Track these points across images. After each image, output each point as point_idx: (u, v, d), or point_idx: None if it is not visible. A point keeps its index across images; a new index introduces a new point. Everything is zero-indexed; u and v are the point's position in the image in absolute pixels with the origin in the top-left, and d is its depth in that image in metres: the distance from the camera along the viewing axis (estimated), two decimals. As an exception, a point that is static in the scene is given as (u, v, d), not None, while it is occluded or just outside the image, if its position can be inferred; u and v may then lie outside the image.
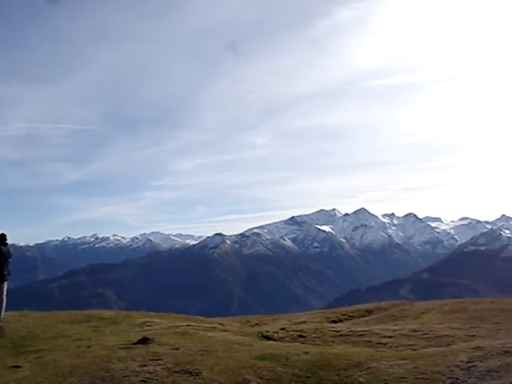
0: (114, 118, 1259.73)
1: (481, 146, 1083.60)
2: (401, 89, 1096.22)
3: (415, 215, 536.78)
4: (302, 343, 20.76)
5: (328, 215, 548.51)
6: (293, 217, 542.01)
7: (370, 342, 20.52)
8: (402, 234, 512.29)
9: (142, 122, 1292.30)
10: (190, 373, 13.85)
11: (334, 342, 21.13)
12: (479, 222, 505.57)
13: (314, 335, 22.70)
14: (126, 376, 13.74)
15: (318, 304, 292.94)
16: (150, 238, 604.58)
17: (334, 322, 33.95)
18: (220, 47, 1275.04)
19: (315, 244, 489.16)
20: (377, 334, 22.12)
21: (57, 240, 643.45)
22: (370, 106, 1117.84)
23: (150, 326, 24.04)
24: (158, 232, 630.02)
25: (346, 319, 35.06)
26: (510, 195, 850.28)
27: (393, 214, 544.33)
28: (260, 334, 23.48)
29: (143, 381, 13.33)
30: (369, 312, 36.97)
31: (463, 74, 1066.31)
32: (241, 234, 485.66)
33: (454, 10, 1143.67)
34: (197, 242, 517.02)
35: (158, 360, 15.09)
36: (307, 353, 16.35)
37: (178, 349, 16.73)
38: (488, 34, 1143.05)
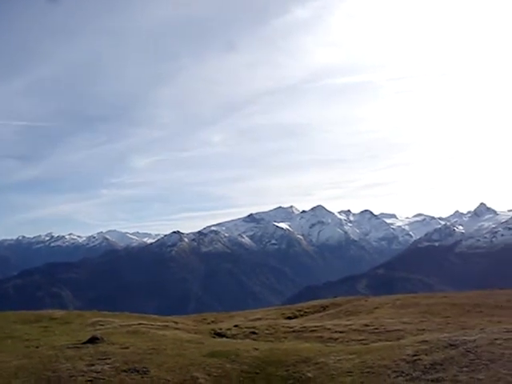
0: (69, 114, 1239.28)
1: (435, 143, 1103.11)
2: (357, 87, 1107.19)
3: (371, 212, 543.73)
4: (254, 340, 20.87)
5: (286, 212, 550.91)
6: (251, 214, 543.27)
7: (321, 337, 20.74)
8: (358, 231, 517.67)
9: (99, 118, 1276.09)
10: (138, 371, 13.81)
11: (286, 338, 21.30)
12: (433, 218, 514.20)
13: (266, 332, 22.83)
14: (72, 376, 13.62)
15: (275, 300, 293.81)
16: (107, 236, 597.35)
17: (289, 318, 34.22)
18: (177, 44, 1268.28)
19: (273, 241, 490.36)
20: (329, 329, 22.36)
21: (11, 239, 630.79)
22: (327, 104, 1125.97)
23: (101, 325, 23.84)
24: (114, 230, 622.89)
25: (302, 315, 35.35)
26: (463, 192, 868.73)
27: (349, 210, 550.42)
28: (213, 332, 23.53)
29: (90, 380, 13.24)
30: (324, 308, 37.34)
31: (417, 72, 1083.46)
32: (199, 232, 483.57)
33: (409, 10, 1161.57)
34: (154, 241, 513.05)
35: (106, 359, 14.99)
36: (257, 349, 16.45)
37: (127, 348, 16.65)
38: (441, 34, 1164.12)
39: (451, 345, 14.64)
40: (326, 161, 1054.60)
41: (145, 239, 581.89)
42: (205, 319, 35.95)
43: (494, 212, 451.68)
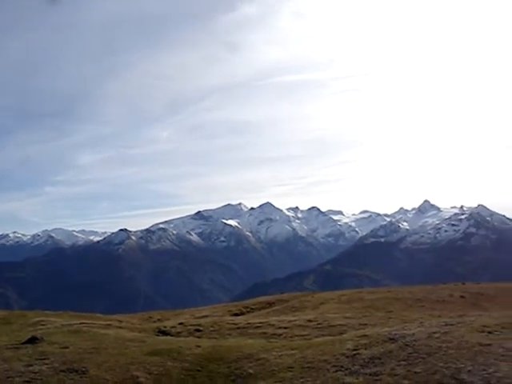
0: (11, 110, 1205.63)
1: (380, 141, 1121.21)
2: (306, 85, 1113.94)
3: (318, 209, 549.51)
4: (198, 337, 20.82)
5: (234, 209, 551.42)
6: (199, 211, 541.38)
7: (265, 333, 20.84)
8: (305, 227, 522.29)
9: (43, 114, 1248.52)
10: (77, 371, 13.58)
11: (230, 334, 21.32)
12: (379, 214, 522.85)
13: (211, 329, 22.80)
14: (9, 377, 13.31)
15: (224, 297, 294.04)
16: (52, 234, 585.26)
17: (235, 315, 34.28)
18: (126, 40, 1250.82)
19: (222, 238, 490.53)
20: (273, 325, 22.50)
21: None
22: (276, 101, 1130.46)
23: (43, 325, 23.39)
24: (60, 228, 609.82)
25: (248, 312, 35.47)
26: (408, 189, 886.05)
27: (297, 207, 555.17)
28: (157, 330, 23.35)
29: (27, 381, 12.95)
30: (270, 304, 37.56)
31: (364, 71, 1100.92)
32: (146, 230, 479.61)
33: (354, 10, 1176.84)
34: (101, 239, 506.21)
35: (44, 359, 14.70)
36: (199, 346, 16.39)
37: (67, 347, 16.36)
38: (385, 34, 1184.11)
39: (390, 339, 14.88)
40: (274, 158, 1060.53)
41: (91, 237, 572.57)
42: (151, 317, 35.70)
43: (438, 209, 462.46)
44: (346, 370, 12.65)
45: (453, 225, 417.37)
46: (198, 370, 14.07)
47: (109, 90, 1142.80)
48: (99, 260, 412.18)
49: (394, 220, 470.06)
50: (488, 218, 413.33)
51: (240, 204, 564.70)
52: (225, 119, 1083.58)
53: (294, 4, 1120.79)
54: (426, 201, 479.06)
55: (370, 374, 12.06)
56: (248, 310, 36.88)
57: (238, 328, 22.76)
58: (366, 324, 21.51)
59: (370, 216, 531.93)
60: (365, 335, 15.80)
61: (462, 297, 32.03)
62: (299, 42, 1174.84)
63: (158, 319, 34.58)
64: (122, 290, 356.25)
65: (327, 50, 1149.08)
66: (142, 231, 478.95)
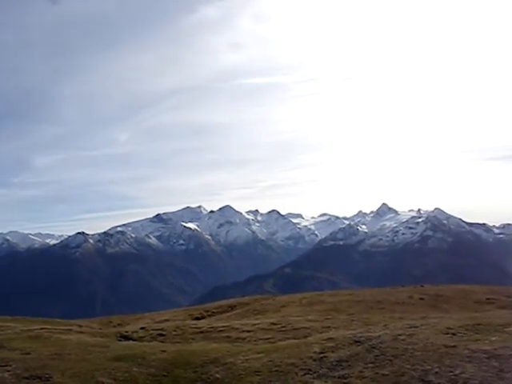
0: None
1: (340, 145, 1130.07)
2: (267, 88, 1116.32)
3: (278, 212, 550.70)
4: (162, 342, 20.55)
5: (194, 212, 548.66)
6: (158, 214, 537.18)
7: (229, 337, 20.71)
8: (265, 231, 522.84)
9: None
10: (40, 378, 13.24)
11: (193, 339, 21.11)
12: (338, 218, 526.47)
13: (174, 333, 22.56)
14: (-31, 385, 12.92)
15: (183, 301, 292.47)
16: (8, 237, 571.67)
17: (197, 318, 34.05)
18: (83, 40, 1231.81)
19: (181, 241, 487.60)
20: (236, 328, 22.37)
21: None
22: (236, 104, 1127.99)
23: (2, 330, 22.79)
24: (15, 231, 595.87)
25: (210, 316, 35.27)
26: (366, 192, 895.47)
27: (257, 210, 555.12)
28: (119, 335, 23.00)
29: (-12, 389, 12.61)
30: (232, 307, 37.44)
31: (325, 75, 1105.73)
32: (104, 233, 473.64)
33: (315, 14, 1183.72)
34: (58, 242, 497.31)
35: (6, 366, 14.29)
36: (164, 351, 16.20)
37: (28, 353, 15.96)
38: (348, 37, 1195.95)
39: (356, 341, 14.96)
40: (234, 161, 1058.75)
41: (48, 240, 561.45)
42: (111, 322, 35.24)
43: (396, 212, 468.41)
44: (315, 373, 12.66)
45: (410, 228, 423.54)
46: (164, 376, 13.89)
47: (64, 91, 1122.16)
48: (55, 263, 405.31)
49: (352, 223, 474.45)
50: (444, 222, 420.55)
51: (200, 207, 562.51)
52: (185, 121, 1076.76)
53: (255, 7, 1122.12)
54: (384, 204, 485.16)
55: (339, 377, 12.09)
56: (209, 313, 36.68)
57: (202, 332, 22.58)
58: (329, 327, 21.56)
59: (330, 219, 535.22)
60: (331, 338, 15.85)
61: (421, 299, 32.38)
62: (261, 44, 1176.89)
63: (118, 324, 34.15)
64: (79, 294, 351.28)
65: (289, 53, 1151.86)
66: (99, 234, 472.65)
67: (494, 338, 13.98)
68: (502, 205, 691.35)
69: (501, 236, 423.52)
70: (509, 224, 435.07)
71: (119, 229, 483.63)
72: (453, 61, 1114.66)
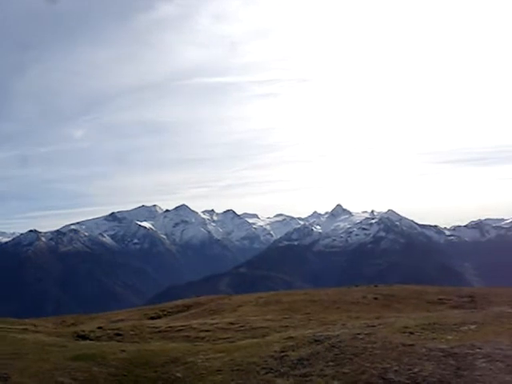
0: None
1: (296, 146, 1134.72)
2: (225, 88, 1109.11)
3: (234, 212, 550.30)
4: (119, 341, 20.39)
5: (149, 211, 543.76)
6: (112, 213, 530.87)
7: (188, 336, 20.67)
8: (221, 230, 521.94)
9: None
10: (-2, 378, 13.03)
11: (152, 338, 21.02)
12: (293, 218, 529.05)
13: (131, 333, 22.41)
14: None
15: (137, 301, 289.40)
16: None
17: (152, 318, 33.84)
18: (39, 35, 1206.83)
19: (135, 240, 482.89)
20: (195, 328, 22.35)
21: None
22: (194, 102, 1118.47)
23: (-46, 330, 22.27)
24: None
25: (165, 315, 35.11)
26: (321, 193, 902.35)
27: (213, 210, 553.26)
28: (75, 334, 22.71)
29: None
30: (187, 307, 37.31)
31: (282, 76, 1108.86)
32: (57, 231, 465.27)
33: (275, 15, 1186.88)
34: (9, 239, 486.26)
35: (-39, 366, 14.02)
36: (124, 351, 16.10)
37: (-16, 353, 15.67)
38: (304, 39, 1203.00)
39: (316, 340, 15.14)
40: (191, 160, 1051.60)
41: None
42: (64, 321, 34.73)
43: (350, 213, 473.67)
44: (276, 371, 12.77)
45: (363, 229, 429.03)
46: (125, 375, 13.82)
47: (18, 86, 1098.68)
48: (7, 262, 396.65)
49: (307, 224, 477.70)
50: (397, 223, 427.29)
51: (155, 206, 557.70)
52: (141, 119, 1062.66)
53: (214, 7, 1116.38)
54: (338, 205, 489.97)
55: (300, 375, 12.23)
56: (165, 313, 36.50)
57: (160, 332, 22.48)
58: (287, 326, 21.72)
59: (285, 219, 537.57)
60: (290, 337, 16.01)
61: (375, 298, 32.83)
62: (219, 44, 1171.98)
63: (72, 323, 33.68)
64: (31, 293, 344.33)
65: (247, 53, 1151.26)
66: (52, 232, 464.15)
67: (449, 337, 14.36)
68: (453, 207, 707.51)
69: (451, 238, 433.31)
70: (459, 226, 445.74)
71: (72, 227, 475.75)
72: (407, 65, 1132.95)
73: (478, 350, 12.70)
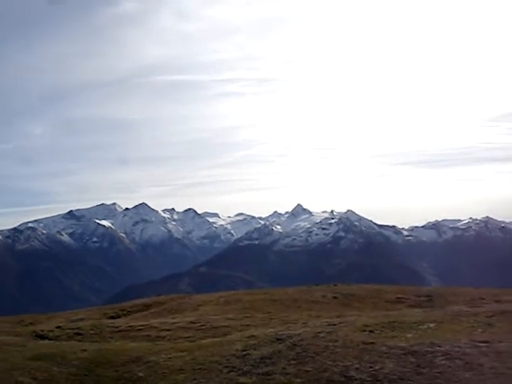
0: None
1: (256, 145, 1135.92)
2: (187, 86, 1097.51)
3: (194, 211, 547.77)
4: (79, 341, 20.17)
5: (108, 210, 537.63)
6: (71, 211, 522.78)
7: (148, 336, 20.57)
8: (181, 229, 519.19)
9: None
10: (-45, 378, 12.79)
11: (112, 338, 20.85)
12: (253, 217, 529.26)
13: (91, 332, 22.19)
14: None
15: (96, 300, 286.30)
16: None
17: (112, 317, 33.53)
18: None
19: (94, 239, 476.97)
20: (155, 327, 22.26)
21: None
22: (155, 100, 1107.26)
23: None
24: None
25: (125, 314, 34.82)
26: (282, 193, 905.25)
27: (173, 209, 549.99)
28: (34, 334, 22.38)
29: None
30: (147, 306, 37.07)
31: (242, 75, 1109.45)
32: (14, 229, 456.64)
33: (236, 13, 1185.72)
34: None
35: None
36: (85, 350, 15.96)
37: None
38: (266, 39, 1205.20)
39: (278, 339, 15.24)
40: (151, 158, 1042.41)
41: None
42: (22, 321, 34.11)
43: (310, 213, 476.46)
44: (239, 370, 12.83)
45: (323, 228, 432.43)
46: (86, 375, 13.70)
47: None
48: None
49: (268, 223, 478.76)
50: (356, 223, 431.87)
51: (114, 204, 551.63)
52: (102, 116, 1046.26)
53: (176, 4, 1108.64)
54: (298, 205, 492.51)
55: (263, 374, 12.31)
56: (125, 312, 36.19)
57: (120, 331, 22.31)
58: (248, 325, 21.79)
59: (245, 219, 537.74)
60: (252, 336, 16.09)
61: (334, 297, 33.13)
62: (182, 42, 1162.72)
63: (30, 323, 33.11)
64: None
65: (210, 52, 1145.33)
66: (8, 230, 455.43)
67: (409, 335, 14.64)
68: (411, 208, 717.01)
69: (409, 238, 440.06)
70: (417, 227, 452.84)
71: (30, 225, 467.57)
72: (367, 68, 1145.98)
73: (437, 348, 12.98)
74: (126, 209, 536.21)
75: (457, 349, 12.88)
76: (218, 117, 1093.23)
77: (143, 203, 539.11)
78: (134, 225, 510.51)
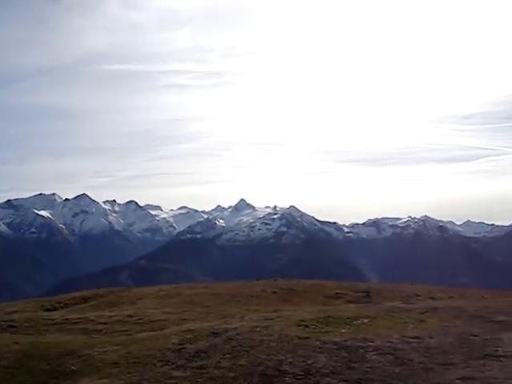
0: None
1: (200, 139, 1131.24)
2: (132, 76, 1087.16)
3: (136, 203, 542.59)
4: (13, 333, 19.77)
5: (47, 200, 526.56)
6: (9, 200, 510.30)
7: (85, 329, 20.32)
8: (122, 221, 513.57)
9: None
10: None
11: (47, 330, 20.50)
12: (196, 211, 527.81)
13: (26, 325, 21.76)
14: None
15: (34, 292, 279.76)
16: None
17: (49, 310, 32.89)
18: None
19: (32, 229, 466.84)
20: (92, 320, 22.01)
21: None
22: (100, 89, 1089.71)
23: None
24: None
25: (62, 307, 34.20)
26: (225, 187, 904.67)
27: (114, 200, 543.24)
28: (-35, 326, 21.82)
29: None
30: (86, 299, 36.50)
31: (190, 67, 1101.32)
32: None
33: (185, 4, 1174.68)
34: None
35: None
36: (17, 343, 15.69)
37: None
38: (215, 30, 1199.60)
39: (214, 333, 15.34)
40: (93, 148, 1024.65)
41: None
42: (-47, 312, 33.15)
43: (253, 208, 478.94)
44: (173, 364, 12.86)
45: (266, 224, 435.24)
46: (17, 368, 13.47)
47: None
48: None
49: (211, 217, 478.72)
50: (298, 219, 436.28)
51: (54, 194, 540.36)
52: (43, 104, 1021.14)
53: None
54: (242, 199, 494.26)
55: (197, 368, 12.37)
56: (62, 305, 35.53)
57: (55, 324, 21.95)
58: (186, 319, 21.81)
59: (188, 212, 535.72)
60: (189, 330, 16.13)
61: (274, 292, 33.35)
62: (128, 31, 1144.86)
63: (-38, 315, 32.20)
64: None
65: (157, 42, 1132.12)
66: None
67: (343, 330, 14.96)
68: (352, 205, 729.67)
69: (350, 235, 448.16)
70: (357, 224, 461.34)
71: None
72: (312, 64, 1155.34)
73: (369, 343, 13.32)
74: (66, 199, 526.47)
75: (388, 344, 13.23)
76: (163, 109, 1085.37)
77: (84, 194, 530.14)
78: (73, 216, 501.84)
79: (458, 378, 10.88)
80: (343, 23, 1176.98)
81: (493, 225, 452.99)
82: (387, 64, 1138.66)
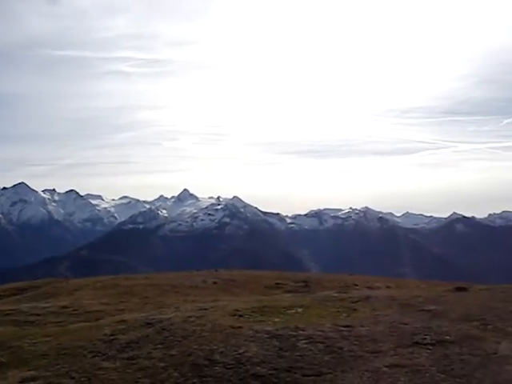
0: None
1: (143, 128, 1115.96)
2: (71, 62, 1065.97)
3: (77, 192, 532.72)
4: None
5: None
6: None
7: (16, 320, 19.92)
8: (62, 211, 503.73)
9: None
10: None
11: (-23, 322, 20.01)
12: (138, 201, 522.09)
13: (-45, 317, 21.18)
14: None
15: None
16: None
17: (-18, 301, 32.14)
18: None
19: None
20: (25, 312, 21.58)
21: None
22: (41, 75, 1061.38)
23: None
24: None
25: (-4, 299, 33.47)
26: (168, 177, 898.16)
27: (54, 190, 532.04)
28: None
29: None
30: (21, 290, 35.77)
31: (134, 55, 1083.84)
32: None
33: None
34: None
35: None
36: None
37: None
38: (158, 17, 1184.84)
39: (147, 323, 15.26)
40: (32, 136, 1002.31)
41: None
42: None
43: (196, 198, 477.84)
44: (103, 355, 12.72)
45: (209, 214, 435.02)
46: None
47: None
48: None
49: (153, 207, 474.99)
50: (242, 210, 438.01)
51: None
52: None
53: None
54: (185, 190, 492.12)
55: (127, 358, 12.28)
56: (-4, 296, 34.79)
57: (-14, 315, 21.42)
58: (122, 310, 21.66)
59: (130, 202, 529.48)
60: (122, 320, 16.00)
61: (214, 283, 33.45)
62: (72, 17, 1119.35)
63: None
64: None
65: (99, 28, 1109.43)
66: None
67: (276, 320, 15.08)
68: (295, 197, 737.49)
69: (292, 226, 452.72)
70: (300, 215, 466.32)
71: None
72: (252, 55, 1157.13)
73: (300, 332, 13.46)
74: (4, 188, 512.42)
75: (319, 333, 13.40)
76: (104, 96, 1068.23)
77: (22, 183, 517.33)
78: (11, 205, 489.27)
79: (386, 366, 11.11)
80: (288, 14, 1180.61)
81: (431, 217, 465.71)
82: (329, 56, 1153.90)
